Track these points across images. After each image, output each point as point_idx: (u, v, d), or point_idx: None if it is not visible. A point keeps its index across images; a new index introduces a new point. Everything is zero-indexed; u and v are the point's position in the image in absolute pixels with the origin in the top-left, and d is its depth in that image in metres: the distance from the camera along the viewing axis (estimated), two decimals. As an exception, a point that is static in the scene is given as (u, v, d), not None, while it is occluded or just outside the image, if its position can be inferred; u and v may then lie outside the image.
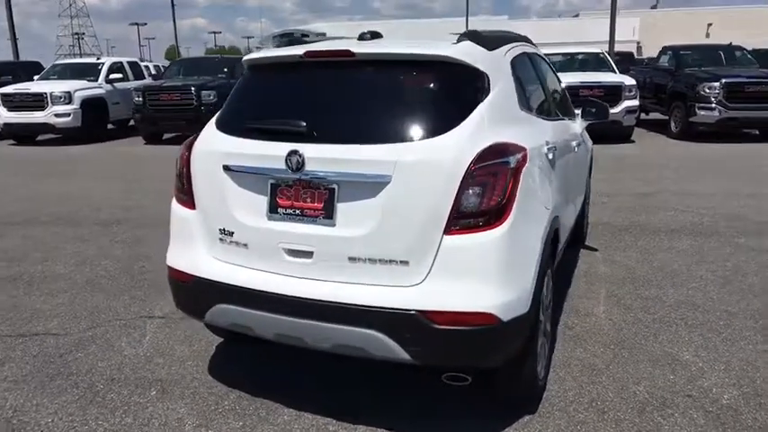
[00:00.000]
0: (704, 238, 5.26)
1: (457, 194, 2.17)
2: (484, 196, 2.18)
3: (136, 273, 4.62)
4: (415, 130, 2.27)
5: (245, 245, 2.49)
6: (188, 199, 2.68)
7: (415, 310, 2.18)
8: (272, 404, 2.75)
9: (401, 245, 2.22)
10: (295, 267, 2.39)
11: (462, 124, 2.28)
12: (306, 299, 2.31)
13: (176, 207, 2.77)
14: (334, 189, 2.30)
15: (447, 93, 2.40)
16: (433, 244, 2.20)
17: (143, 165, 10.44)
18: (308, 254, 2.36)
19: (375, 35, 2.80)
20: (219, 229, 2.55)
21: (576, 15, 54.74)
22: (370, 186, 2.24)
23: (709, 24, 50.10)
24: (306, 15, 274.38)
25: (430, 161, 2.20)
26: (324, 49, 2.53)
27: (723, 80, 11.02)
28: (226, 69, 13.47)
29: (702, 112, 11.22)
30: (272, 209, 2.42)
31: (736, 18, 48.76)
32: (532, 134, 2.66)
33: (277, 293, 2.37)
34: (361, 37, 2.79)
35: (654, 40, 32.57)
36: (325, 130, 2.37)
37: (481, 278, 2.19)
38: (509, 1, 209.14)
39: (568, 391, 2.82)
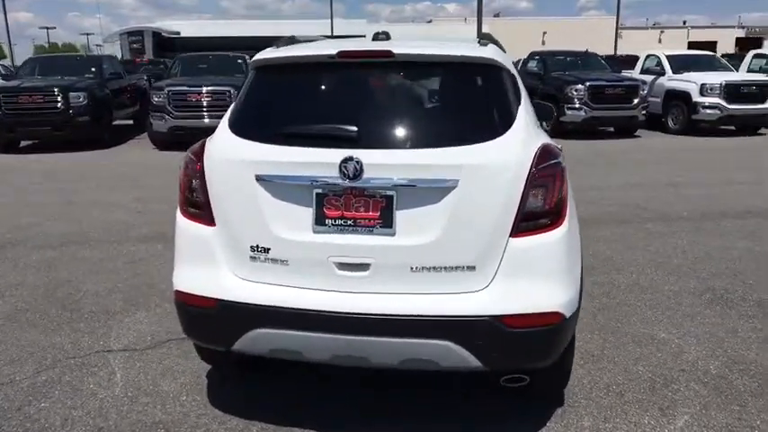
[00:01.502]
0: (620, 227, 5.81)
1: (522, 196, 2.18)
2: (546, 197, 2.21)
3: (65, 301, 4.01)
4: (476, 133, 2.24)
5: (285, 261, 2.27)
6: (204, 214, 2.39)
7: (489, 316, 2.15)
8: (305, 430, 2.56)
9: (468, 250, 2.18)
10: (348, 281, 2.23)
11: (514, 126, 2.29)
12: (368, 314, 2.17)
13: (186, 223, 2.45)
14: (392, 196, 2.18)
15: (494, 95, 2.38)
16: (500, 247, 2.18)
17: (8, 177, 9.08)
18: (364, 266, 2.21)
19: (388, 36, 2.71)
20: (251, 247, 2.30)
21: (429, 21, 57.47)
22: (434, 192, 2.16)
23: (545, 33, 55.45)
24: (150, 12, 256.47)
25: (496, 164, 2.18)
26: (361, 49, 2.39)
27: (587, 83, 12.27)
28: (93, 69, 12.13)
29: (570, 112, 12.39)
30: (319, 220, 2.23)
31: (565, 28, 54.49)
32: (546, 135, 2.75)
33: (331, 311, 2.20)
34: (376, 37, 2.69)
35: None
36: (379, 135, 2.24)
37: (547, 278, 2.22)
38: (359, 6, 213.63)
39: (582, 379, 2.96)
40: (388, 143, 2.22)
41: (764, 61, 14.67)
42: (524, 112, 2.39)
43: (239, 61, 12.41)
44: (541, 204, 2.20)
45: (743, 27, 56.24)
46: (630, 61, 18.40)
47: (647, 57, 14.89)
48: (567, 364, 2.59)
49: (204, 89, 10.77)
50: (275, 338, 2.27)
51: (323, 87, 2.48)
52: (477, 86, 2.40)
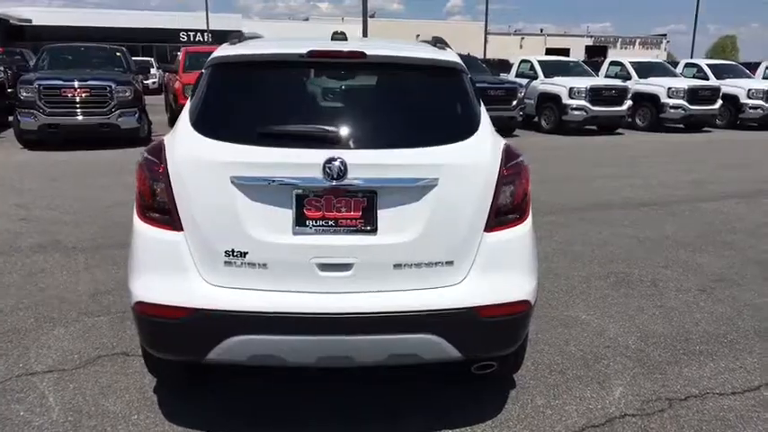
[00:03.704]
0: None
1: (494, 193, 2.31)
2: (514, 194, 2.37)
3: (-40, 323, 3.53)
4: (451, 133, 2.33)
5: (264, 265, 2.22)
6: (169, 219, 2.25)
7: (467, 308, 2.26)
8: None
9: (448, 246, 2.27)
10: (331, 282, 2.23)
11: (482, 126, 2.43)
12: (352, 314, 2.19)
13: (147, 229, 2.29)
14: (373, 196, 2.22)
15: (462, 97, 2.49)
16: (475, 242, 2.30)
17: None
18: (347, 266, 2.23)
19: (345, 36, 2.72)
20: (226, 252, 2.21)
21: (306, 19, 57.09)
22: (415, 190, 2.23)
23: (417, 35, 57.55)
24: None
25: (472, 163, 2.29)
26: (333, 49, 2.38)
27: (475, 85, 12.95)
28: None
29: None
30: (299, 222, 2.21)
31: (437, 31, 56.86)
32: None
33: (314, 313, 2.19)
34: (334, 37, 2.69)
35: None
36: (360, 135, 2.26)
37: (516, 269, 2.38)
38: (229, 1, 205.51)
39: (527, 361, 3.18)
40: (368, 143, 2.24)
41: (619, 68, 16.43)
42: (485, 114, 2.54)
43: (118, 54, 11.50)
44: (510, 201, 2.36)
45: (591, 36, 62.37)
46: (500, 65, 19.70)
47: (522, 61, 16.05)
48: (524, 347, 2.78)
49: (81, 84, 9.86)
50: (255, 345, 2.21)
51: (294, 87, 2.44)
52: (446, 88, 2.50)
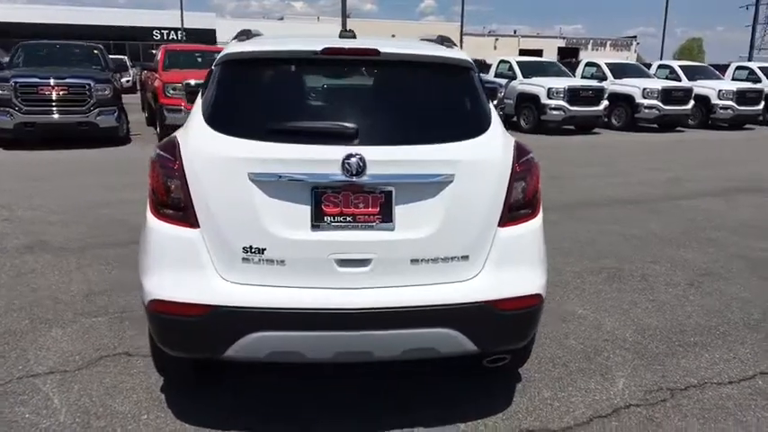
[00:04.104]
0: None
1: (508, 189, 2.35)
2: (526, 189, 2.41)
3: (-49, 326, 3.44)
4: (465, 130, 2.37)
5: (282, 261, 2.22)
6: (185, 216, 2.24)
7: (483, 302, 2.29)
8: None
9: (464, 241, 2.30)
10: (349, 278, 2.24)
11: (493, 123, 2.46)
12: (371, 309, 2.21)
13: (162, 226, 2.27)
14: (391, 192, 2.23)
15: (473, 94, 2.52)
16: (490, 236, 2.34)
17: None
18: (365, 262, 2.24)
19: (354, 34, 2.73)
20: (244, 248, 2.21)
21: (281, 19, 56.73)
22: (431, 186, 2.25)
23: (393, 35, 57.73)
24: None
25: (487, 159, 2.33)
26: (347, 47, 2.39)
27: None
28: None
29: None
30: (317, 218, 2.21)
31: (412, 31, 57.20)
32: None
33: (333, 309, 2.20)
34: (342, 35, 2.70)
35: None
36: (377, 132, 2.27)
37: (530, 263, 2.43)
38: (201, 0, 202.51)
39: (531, 355, 3.24)
40: (385, 140, 2.25)
41: (595, 69, 16.74)
42: (494, 111, 2.58)
43: (95, 52, 11.28)
44: (522, 196, 2.40)
45: (563, 38, 63.37)
46: (478, 66, 19.88)
47: (500, 62, 16.23)
48: (532, 341, 2.83)
49: (59, 81, 9.64)
50: (274, 341, 2.21)
51: (308, 84, 2.44)
52: (458, 86, 2.53)
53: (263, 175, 2.18)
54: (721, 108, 16.50)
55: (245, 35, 2.72)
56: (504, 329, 2.38)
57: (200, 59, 12.38)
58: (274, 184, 2.19)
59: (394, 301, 2.23)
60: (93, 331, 3.42)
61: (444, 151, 2.27)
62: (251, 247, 2.21)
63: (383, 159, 2.20)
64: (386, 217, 2.24)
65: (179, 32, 36.45)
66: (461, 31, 39.04)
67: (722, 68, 19.90)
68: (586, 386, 2.96)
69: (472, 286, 2.32)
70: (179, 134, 2.41)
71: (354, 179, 2.17)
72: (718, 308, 3.98)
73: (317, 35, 2.79)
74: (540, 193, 2.50)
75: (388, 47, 2.42)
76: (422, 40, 3.11)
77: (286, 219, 2.21)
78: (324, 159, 2.17)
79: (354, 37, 2.70)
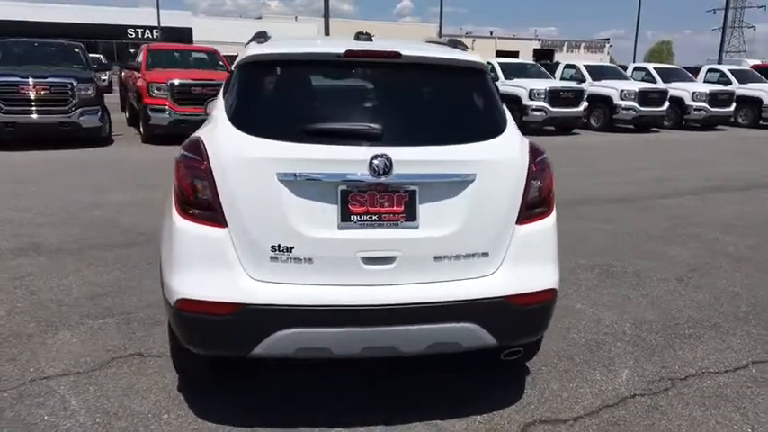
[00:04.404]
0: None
1: (525, 187, 2.44)
2: (542, 188, 2.50)
3: (-45, 329, 3.39)
4: (484, 130, 2.45)
5: (310, 259, 2.27)
6: (213, 216, 2.27)
7: (502, 296, 2.38)
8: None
9: (484, 238, 2.38)
10: (375, 275, 2.30)
11: (509, 124, 2.56)
12: (396, 305, 2.27)
13: (189, 226, 2.30)
14: (415, 191, 2.30)
15: (490, 96, 2.61)
16: (508, 234, 2.43)
17: None
18: (390, 259, 2.30)
19: (370, 36, 2.79)
20: (272, 247, 2.25)
21: (259, 18, 56.37)
22: (454, 185, 2.33)
23: (373, 35, 57.64)
24: None
25: (506, 158, 2.42)
26: (369, 49, 2.45)
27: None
28: None
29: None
30: (344, 217, 2.27)
31: (391, 32, 57.34)
32: None
33: (360, 305, 2.26)
34: (359, 37, 2.76)
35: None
36: (402, 133, 2.34)
37: (545, 259, 2.52)
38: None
39: (535, 349, 3.35)
40: (410, 141, 2.32)
41: (574, 71, 17.07)
42: (508, 112, 2.67)
43: (76, 50, 11.11)
44: (538, 195, 2.49)
45: (539, 39, 64.26)
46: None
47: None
48: (543, 334, 2.93)
49: (40, 81, 9.48)
50: (303, 338, 2.26)
51: (332, 85, 2.49)
52: (476, 88, 2.61)
53: (291, 176, 2.23)
54: (695, 110, 16.97)
55: (262, 37, 2.76)
56: (521, 323, 2.47)
57: (183, 59, 12.30)
58: (302, 184, 2.24)
59: (418, 297, 2.30)
60: (102, 333, 3.41)
61: (466, 152, 2.35)
62: (279, 246, 2.25)
63: (408, 159, 2.27)
64: (410, 215, 2.31)
65: (154, 31, 35.94)
66: (440, 32, 39.24)
67: (693, 71, 20.45)
68: (592, 377, 3.07)
69: (492, 282, 2.40)
70: (202, 134, 2.43)
71: (383, 179, 2.23)
72: (708, 301, 4.14)
73: (335, 37, 2.85)
74: (554, 191, 2.59)
75: (408, 49, 2.49)
76: (428, 42, 3.18)
77: (313, 218, 2.26)
78: (351, 160, 2.23)
79: (371, 39, 2.76)
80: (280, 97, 2.43)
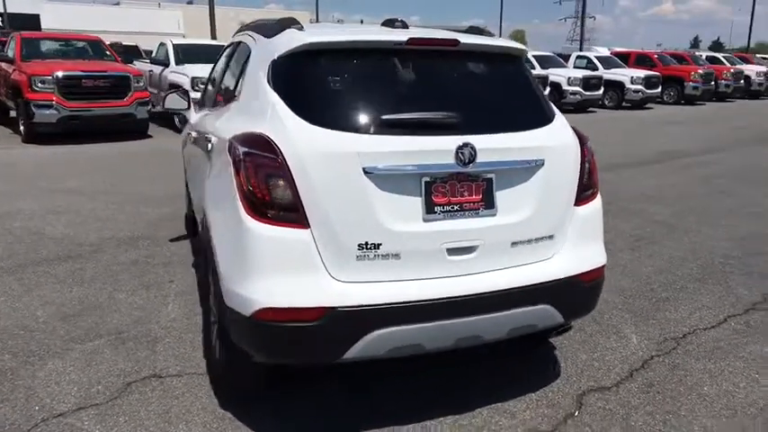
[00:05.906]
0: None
1: (580, 170, 2.54)
2: (590, 171, 2.62)
3: None
4: (541, 117, 2.51)
5: (397, 255, 2.19)
6: (294, 216, 2.11)
7: (570, 276, 2.47)
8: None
9: (552, 221, 2.45)
10: (457, 266, 2.28)
11: (556, 110, 2.64)
12: (481, 293, 2.27)
13: (266, 229, 2.11)
14: (491, 179, 2.31)
15: (536, 83, 2.67)
16: (569, 215, 2.52)
17: None
18: (472, 248, 2.30)
19: (405, 23, 2.73)
20: (359, 245, 2.14)
21: (117, 3, 51.95)
22: (527, 171, 2.37)
23: (242, 23, 55.64)
24: None
25: (566, 143, 2.50)
26: (429, 36, 2.38)
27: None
28: None
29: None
30: (429, 209, 2.22)
31: (262, 17, 55.62)
32: None
33: (448, 297, 2.23)
34: (394, 25, 2.68)
35: (197, 33, 33.55)
36: (479, 121, 2.32)
37: (597, 237, 2.66)
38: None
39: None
40: (488, 128, 2.31)
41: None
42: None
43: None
44: (588, 177, 2.61)
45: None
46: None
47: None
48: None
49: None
50: (396, 337, 2.19)
51: (395, 74, 2.39)
52: (523, 75, 2.66)
53: (378, 169, 2.13)
54: (571, 93, 18.52)
55: (295, 23, 2.57)
56: (583, 299, 2.59)
57: (63, 48, 11.11)
58: (388, 177, 2.16)
59: (501, 284, 2.31)
60: (99, 357, 3.03)
61: (535, 137, 2.40)
62: (366, 244, 2.15)
63: (489, 147, 2.27)
64: (488, 203, 2.31)
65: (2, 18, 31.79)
66: (317, 17, 38.90)
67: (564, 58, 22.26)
68: (609, 345, 3.29)
69: (559, 263, 2.48)
70: (261, 129, 2.22)
71: (470, 168, 2.21)
72: (665, 266, 4.58)
73: (367, 26, 2.74)
74: (597, 173, 2.72)
75: (464, 37, 2.47)
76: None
77: (399, 211, 2.18)
78: (438, 150, 2.18)
79: (407, 27, 2.70)
80: (347, 88, 2.29)
